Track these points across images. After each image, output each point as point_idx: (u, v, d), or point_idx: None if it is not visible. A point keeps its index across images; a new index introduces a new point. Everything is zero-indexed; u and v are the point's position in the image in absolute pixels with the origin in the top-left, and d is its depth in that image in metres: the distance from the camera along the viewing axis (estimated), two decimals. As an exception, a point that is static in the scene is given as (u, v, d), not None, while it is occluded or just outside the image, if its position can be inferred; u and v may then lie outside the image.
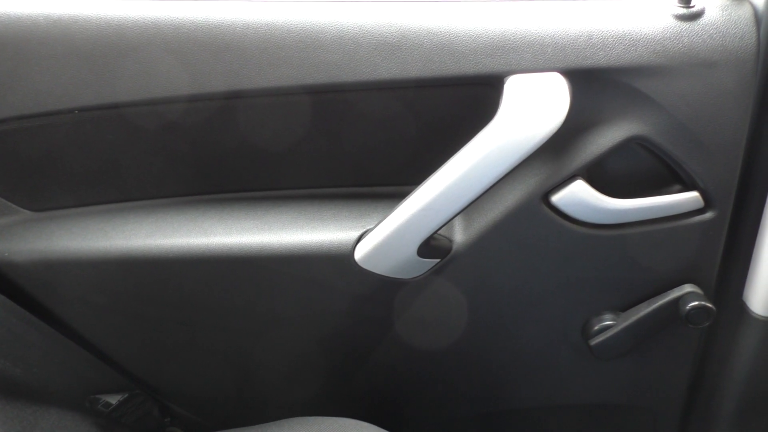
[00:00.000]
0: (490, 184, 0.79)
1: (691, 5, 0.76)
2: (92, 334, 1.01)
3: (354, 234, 0.88)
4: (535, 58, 0.77)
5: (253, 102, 0.85)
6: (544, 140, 0.76)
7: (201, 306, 0.96)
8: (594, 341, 0.92)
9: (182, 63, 0.82)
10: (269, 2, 0.83)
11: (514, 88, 0.77)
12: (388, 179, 0.92)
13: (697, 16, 0.76)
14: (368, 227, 0.88)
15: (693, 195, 0.83)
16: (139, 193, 0.96)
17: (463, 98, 0.83)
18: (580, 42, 0.77)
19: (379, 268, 0.87)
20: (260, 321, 0.97)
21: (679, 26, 0.76)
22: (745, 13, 0.76)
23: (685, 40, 0.76)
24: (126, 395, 1.06)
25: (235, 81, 0.82)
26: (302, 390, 1.07)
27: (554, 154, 0.82)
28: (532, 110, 0.76)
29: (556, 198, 0.83)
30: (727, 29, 0.76)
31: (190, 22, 0.81)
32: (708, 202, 0.84)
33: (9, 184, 0.95)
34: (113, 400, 1.06)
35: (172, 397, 1.11)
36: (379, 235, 0.85)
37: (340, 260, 0.88)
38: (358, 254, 0.87)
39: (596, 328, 0.92)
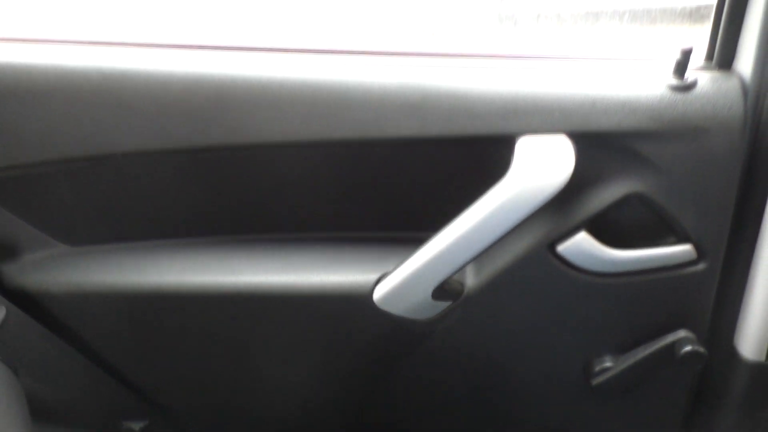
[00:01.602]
0: (502, 234, 0.86)
1: (684, 77, 0.85)
2: (120, 363, 1.06)
3: (373, 276, 0.94)
4: (543, 121, 0.85)
5: (285, 152, 0.93)
6: (551, 196, 0.83)
7: (226, 341, 1.02)
8: (595, 381, 0.98)
9: (221, 115, 0.89)
10: (302, 58, 0.91)
11: (524, 147, 0.84)
12: (406, 226, 0.99)
13: (690, 87, 0.84)
14: (387, 270, 0.94)
15: (687, 247, 0.90)
16: (172, 231, 1.02)
17: (477, 155, 0.91)
18: (584, 108, 0.85)
19: (396, 308, 0.94)
20: (282, 357, 1.03)
21: (674, 96, 0.84)
22: (733, 85, 0.84)
23: (680, 108, 0.84)
24: (147, 422, 1.11)
25: (269, 133, 0.89)
26: (317, 423, 1.12)
27: (560, 208, 0.89)
28: (540, 168, 0.83)
29: (562, 248, 0.90)
30: (717, 100, 0.84)
31: (230, 77, 0.89)
32: (701, 254, 0.91)
33: (50, 220, 1.01)
34: (136, 426, 1.11)
35: (192, 426, 1.16)
36: (397, 278, 0.92)
37: (359, 300, 0.94)
38: (377, 295, 0.94)
39: (597, 368, 0.98)
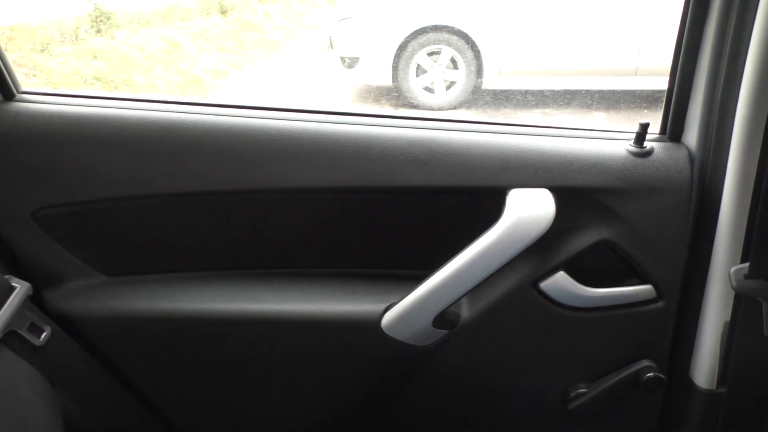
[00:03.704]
0: (492, 272, 1.01)
1: (643, 146, 1.04)
2: (149, 386, 1.16)
3: (381, 306, 1.08)
4: (530, 176, 1.03)
5: (308, 196, 1.08)
6: (535, 240, 0.99)
7: (249, 364, 1.13)
8: (571, 405, 1.12)
9: (254, 162, 1.05)
10: (329, 118, 1.07)
11: (514, 198, 1.01)
12: (411, 264, 1.14)
13: (648, 153, 1.03)
14: (393, 301, 1.08)
15: (647, 287, 1.07)
16: (202, 264, 1.15)
17: (474, 204, 1.07)
18: (563, 167, 1.03)
19: (401, 335, 1.07)
20: (300, 378, 1.14)
21: (635, 160, 1.03)
22: (682, 153, 1.04)
23: (639, 171, 1.02)
24: None
25: (297, 180, 1.05)
26: None
27: (543, 251, 1.05)
28: (527, 216, 0.99)
29: (544, 285, 1.06)
30: (669, 165, 1.03)
31: (265, 130, 1.05)
32: (659, 294, 1.07)
33: (92, 253, 1.13)
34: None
35: None
36: (403, 307, 1.06)
37: (369, 326, 1.08)
38: (384, 322, 1.07)
39: (573, 394, 1.12)
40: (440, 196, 1.08)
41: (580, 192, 1.03)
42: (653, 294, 1.07)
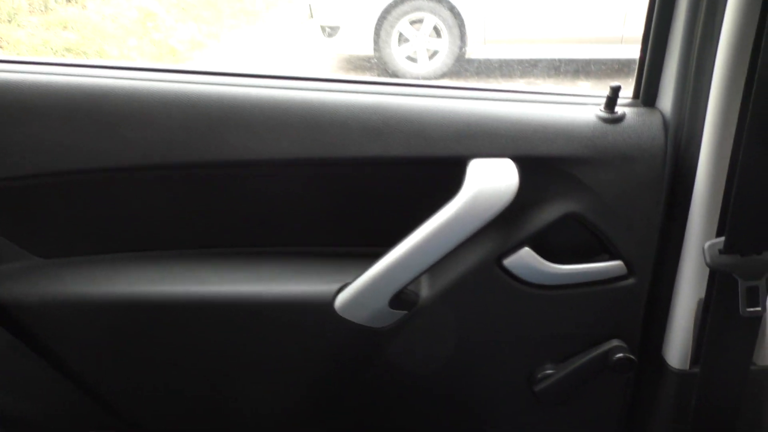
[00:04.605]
0: (452, 248, 0.94)
1: (614, 111, 0.96)
2: (88, 374, 1.09)
3: (334, 286, 1.01)
4: (492, 145, 0.95)
5: (253, 170, 1.00)
6: (498, 213, 0.92)
7: (195, 349, 1.06)
8: (538, 387, 1.06)
9: (196, 134, 0.96)
10: (276, 81, 0.99)
11: (474, 169, 0.94)
12: (366, 241, 1.07)
13: (619, 119, 0.96)
14: (347, 281, 1.01)
15: (617, 263, 1.00)
16: (143, 244, 1.07)
17: (433, 175, 1.00)
18: (528, 135, 0.95)
19: (356, 317, 1.00)
20: (249, 363, 1.08)
21: (605, 127, 0.96)
22: (656, 119, 0.96)
23: (610, 138, 0.95)
24: None
25: (241, 152, 0.96)
26: (285, 427, 1.17)
27: (506, 225, 0.98)
28: (488, 188, 0.92)
29: (508, 261, 0.99)
30: (642, 131, 0.95)
31: (203, 96, 0.96)
32: (630, 270, 1.01)
33: (24, 232, 1.05)
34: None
35: None
36: (357, 287, 0.99)
37: (321, 309, 1.01)
38: (338, 303, 1.00)
39: (539, 376, 1.06)
40: (396, 167, 1.00)
41: (546, 162, 0.96)
42: (624, 270, 1.01)
